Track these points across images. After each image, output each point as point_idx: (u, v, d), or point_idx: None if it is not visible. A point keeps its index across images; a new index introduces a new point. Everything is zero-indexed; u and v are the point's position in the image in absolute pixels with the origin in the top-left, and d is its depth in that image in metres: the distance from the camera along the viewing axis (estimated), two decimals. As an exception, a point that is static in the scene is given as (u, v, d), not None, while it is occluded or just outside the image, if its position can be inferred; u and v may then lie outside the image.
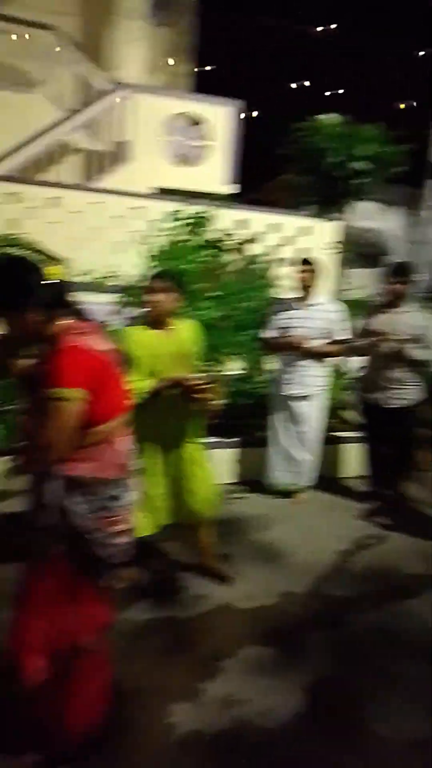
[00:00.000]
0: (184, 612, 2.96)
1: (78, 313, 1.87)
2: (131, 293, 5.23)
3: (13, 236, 5.00)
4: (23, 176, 6.55)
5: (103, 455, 1.80)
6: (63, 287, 1.83)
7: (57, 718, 1.95)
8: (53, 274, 1.80)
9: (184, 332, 3.01)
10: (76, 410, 1.69)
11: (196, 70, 9.68)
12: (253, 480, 4.48)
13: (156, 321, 2.95)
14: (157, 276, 3.00)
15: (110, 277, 5.32)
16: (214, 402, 2.86)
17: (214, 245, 5.36)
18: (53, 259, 4.99)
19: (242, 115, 7.63)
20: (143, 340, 2.92)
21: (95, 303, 2.72)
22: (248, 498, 4.35)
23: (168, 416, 2.91)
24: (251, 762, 2.13)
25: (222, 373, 2.89)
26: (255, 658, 2.67)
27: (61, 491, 1.75)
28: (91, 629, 1.85)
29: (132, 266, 5.45)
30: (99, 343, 1.79)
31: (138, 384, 2.82)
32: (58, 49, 7.69)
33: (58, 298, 1.80)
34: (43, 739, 2.00)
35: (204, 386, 2.79)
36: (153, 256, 5.44)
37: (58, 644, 1.80)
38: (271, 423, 4.32)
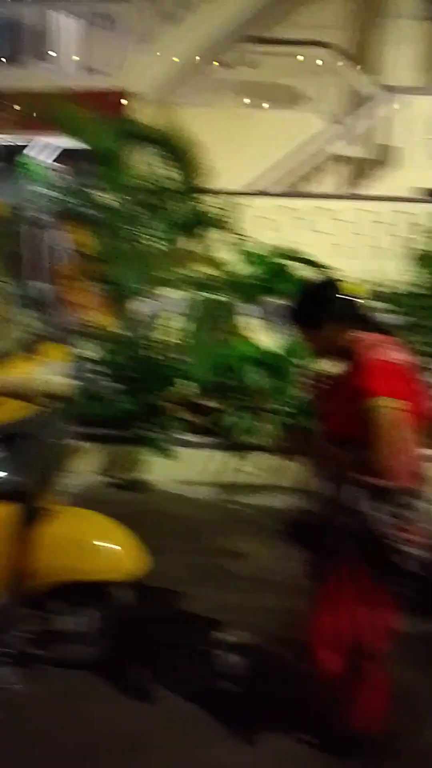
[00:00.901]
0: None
1: (377, 327, 1.96)
2: (397, 301, 5.16)
3: (284, 248, 5.31)
4: (292, 190, 6.91)
5: (401, 464, 1.85)
6: (361, 303, 1.93)
7: (341, 712, 2.07)
8: (352, 291, 1.92)
9: None
10: (399, 418, 1.73)
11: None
12: None
13: None
14: None
15: (375, 284, 5.31)
16: None
17: None
18: (318, 267, 5.11)
19: None
20: None
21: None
22: None
23: None
24: None
25: None
26: None
27: (358, 496, 1.85)
28: (380, 634, 1.92)
29: (398, 273, 5.37)
30: (399, 355, 1.84)
31: None
32: (328, 63, 7.92)
33: (357, 314, 1.91)
34: (325, 728, 2.14)
35: None
36: (420, 261, 5.29)
37: (350, 644, 1.90)
38: None
